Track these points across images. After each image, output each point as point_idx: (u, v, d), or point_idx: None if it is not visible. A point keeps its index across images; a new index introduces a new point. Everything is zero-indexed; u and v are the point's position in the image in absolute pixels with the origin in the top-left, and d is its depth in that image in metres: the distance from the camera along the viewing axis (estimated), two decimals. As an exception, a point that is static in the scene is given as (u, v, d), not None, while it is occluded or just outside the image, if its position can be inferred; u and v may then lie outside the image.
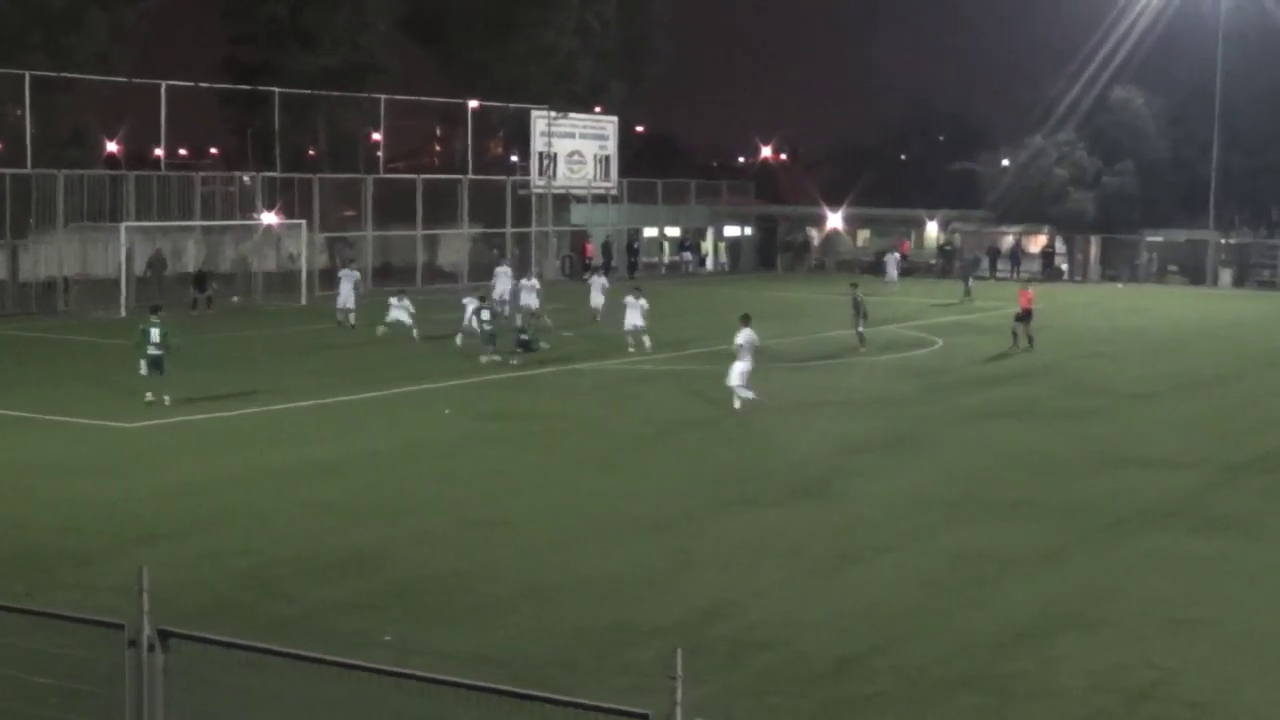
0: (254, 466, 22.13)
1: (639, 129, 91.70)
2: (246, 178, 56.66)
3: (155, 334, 27.26)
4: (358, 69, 61.86)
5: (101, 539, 17.47)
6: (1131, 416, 28.36)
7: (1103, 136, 68.06)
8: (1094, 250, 70.42)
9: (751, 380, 27.28)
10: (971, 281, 56.60)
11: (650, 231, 73.29)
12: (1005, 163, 74.19)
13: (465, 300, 37.54)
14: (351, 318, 41.89)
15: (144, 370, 27.39)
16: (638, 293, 36.53)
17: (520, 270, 49.66)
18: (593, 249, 67.04)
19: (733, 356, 27.62)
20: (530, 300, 40.92)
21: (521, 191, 64.39)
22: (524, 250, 63.53)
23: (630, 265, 67.73)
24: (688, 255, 73.85)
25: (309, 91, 58.44)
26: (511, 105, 65.09)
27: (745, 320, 27.78)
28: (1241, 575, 16.62)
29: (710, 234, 75.97)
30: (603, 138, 69.16)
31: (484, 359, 33.81)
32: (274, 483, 21.03)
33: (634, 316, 35.91)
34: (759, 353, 27.86)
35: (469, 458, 23.29)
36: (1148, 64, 66.78)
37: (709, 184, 79.13)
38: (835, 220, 75.14)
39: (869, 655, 13.54)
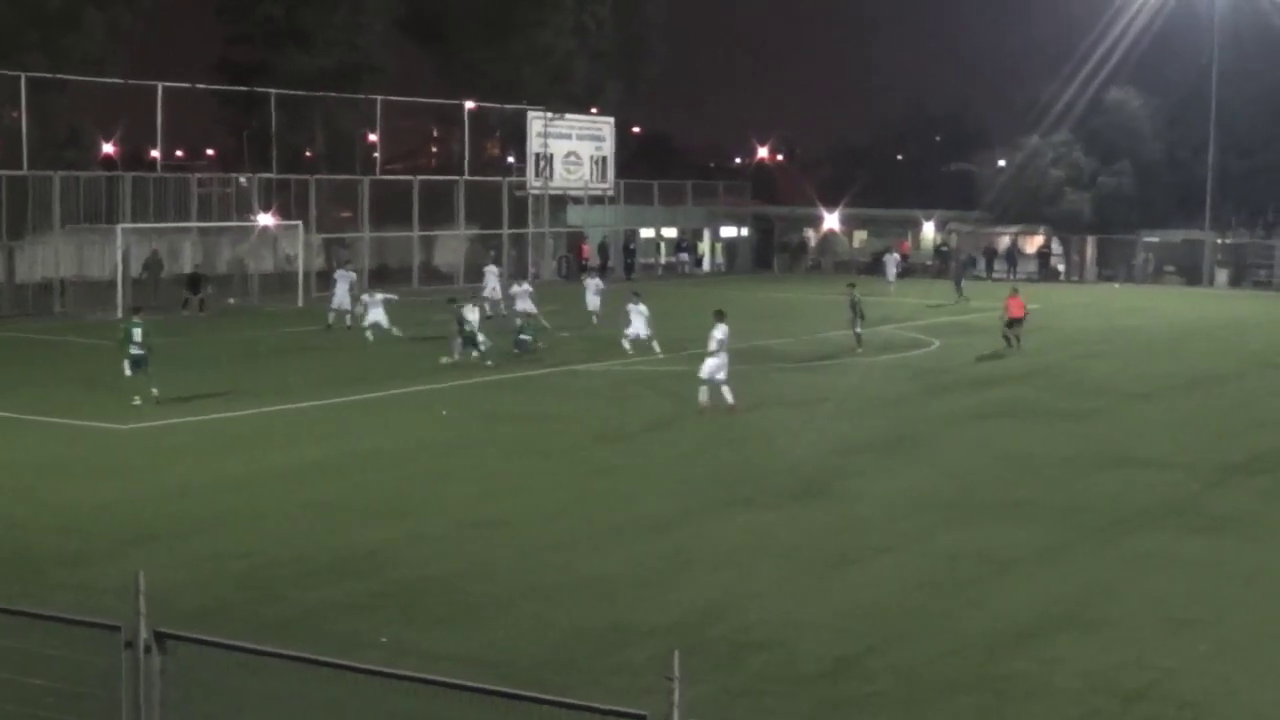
0: (252, 468, 22.11)
1: (635, 130, 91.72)
2: (243, 179, 56.64)
3: (137, 333, 27.52)
4: (354, 69, 61.88)
5: (98, 540, 17.45)
6: (1129, 416, 28.37)
7: (1099, 137, 68.10)
8: (1090, 251, 70.46)
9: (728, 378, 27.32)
10: (964, 282, 56.60)
11: (647, 232, 73.29)
12: (1001, 163, 74.27)
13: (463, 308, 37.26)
14: (348, 319, 41.86)
15: (128, 370, 27.58)
16: (636, 297, 36.12)
17: (518, 273, 49.63)
18: (589, 250, 67.03)
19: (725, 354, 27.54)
20: (526, 305, 40.77)
21: (518, 192, 64.39)
22: (520, 251, 63.53)
23: (627, 266, 67.75)
24: (684, 256, 73.84)
25: (305, 92, 58.44)
26: (508, 106, 65.08)
27: (720, 316, 27.77)
28: (1238, 575, 16.63)
29: (707, 235, 75.94)
30: (599, 138, 69.14)
31: (444, 360, 33.68)
32: (273, 484, 21.02)
33: (639, 325, 35.25)
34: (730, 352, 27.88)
35: (467, 458, 23.27)
36: (1144, 65, 66.82)
37: (705, 185, 79.13)
38: (832, 221, 75.11)
39: (866, 655, 13.54)
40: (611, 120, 70.53)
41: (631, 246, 69.31)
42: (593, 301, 43.78)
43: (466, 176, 62.52)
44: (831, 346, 38.54)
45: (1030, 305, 40.50)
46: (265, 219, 54.70)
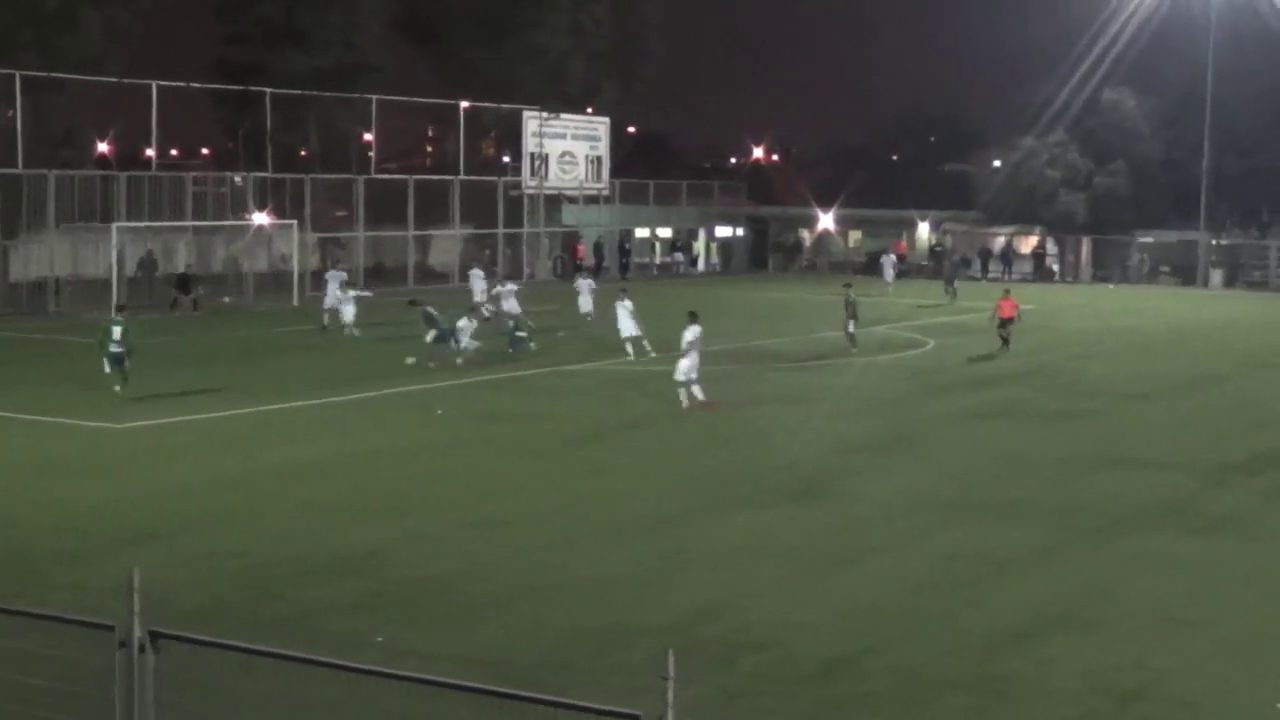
0: (249, 467, 22.08)
1: (631, 130, 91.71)
2: (238, 178, 56.60)
3: (117, 332, 27.74)
4: (350, 69, 61.79)
5: (95, 539, 17.41)
6: (1126, 417, 28.36)
7: (1094, 138, 68.14)
8: (1085, 251, 70.49)
9: (701, 377, 27.39)
10: (956, 281, 56.57)
11: (642, 232, 73.30)
12: (997, 164, 74.30)
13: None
14: (340, 317, 41.78)
15: (106, 368, 27.78)
16: (624, 294, 36.15)
17: (512, 273, 49.56)
18: (584, 250, 66.98)
19: (714, 356, 27.59)
20: (511, 305, 40.67)
21: (513, 192, 64.38)
22: (515, 251, 63.48)
23: (622, 266, 67.75)
24: (679, 256, 73.86)
25: (301, 92, 58.37)
26: (504, 106, 65.04)
27: (693, 317, 27.83)
28: (1235, 576, 16.62)
29: (702, 235, 75.97)
30: (595, 138, 69.14)
31: (409, 360, 33.58)
32: (269, 483, 20.98)
33: (627, 323, 35.16)
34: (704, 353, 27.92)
35: (464, 458, 23.24)
36: (1140, 65, 66.87)
37: (701, 185, 79.15)
38: (827, 221, 75.15)
39: (863, 656, 13.52)
40: (607, 120, 70.52)
41: (626, 246, 69.30)
42: (585, 303, 43.73)
43: (462, 176, 62.50)
44: (827, 346, 38.53)
45: (1025, 306, 40.53)
46: (260, 218, 54.66)
